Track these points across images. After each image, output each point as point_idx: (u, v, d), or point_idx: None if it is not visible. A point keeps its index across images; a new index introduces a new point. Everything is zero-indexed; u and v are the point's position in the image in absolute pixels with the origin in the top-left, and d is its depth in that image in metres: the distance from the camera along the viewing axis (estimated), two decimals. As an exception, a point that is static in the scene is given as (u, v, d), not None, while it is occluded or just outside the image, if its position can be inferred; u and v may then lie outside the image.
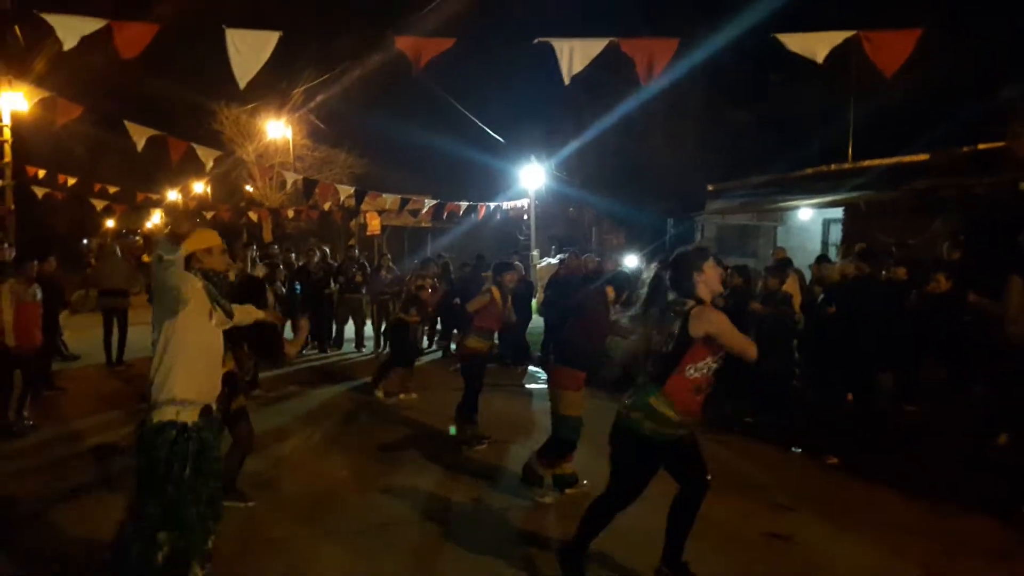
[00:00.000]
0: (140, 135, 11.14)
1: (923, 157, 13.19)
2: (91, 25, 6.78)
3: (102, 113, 11.78)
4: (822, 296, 9.15)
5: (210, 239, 4.09)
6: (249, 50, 6.69)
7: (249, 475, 5.84)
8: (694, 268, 4.20)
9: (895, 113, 15.95)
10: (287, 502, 5.87)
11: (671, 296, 4.21)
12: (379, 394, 9.61)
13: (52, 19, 6.83)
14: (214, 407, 3.96)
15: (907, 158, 13.58)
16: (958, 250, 8.57)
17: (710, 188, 17.60)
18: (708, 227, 17.69)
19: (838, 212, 14.51)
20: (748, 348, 4.12)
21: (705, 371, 4.09)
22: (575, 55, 6.35)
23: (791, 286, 9.27)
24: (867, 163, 14.62)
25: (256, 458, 5.89)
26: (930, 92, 15.25)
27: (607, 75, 11.73)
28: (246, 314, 4.36)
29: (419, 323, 9.82)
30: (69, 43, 6.67)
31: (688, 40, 6.58)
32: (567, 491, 5.97)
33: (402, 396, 9.49)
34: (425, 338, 13.69)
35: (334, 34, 24.86)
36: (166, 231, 3.90)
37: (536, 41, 6.49)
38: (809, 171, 15.67)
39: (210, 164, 12.16)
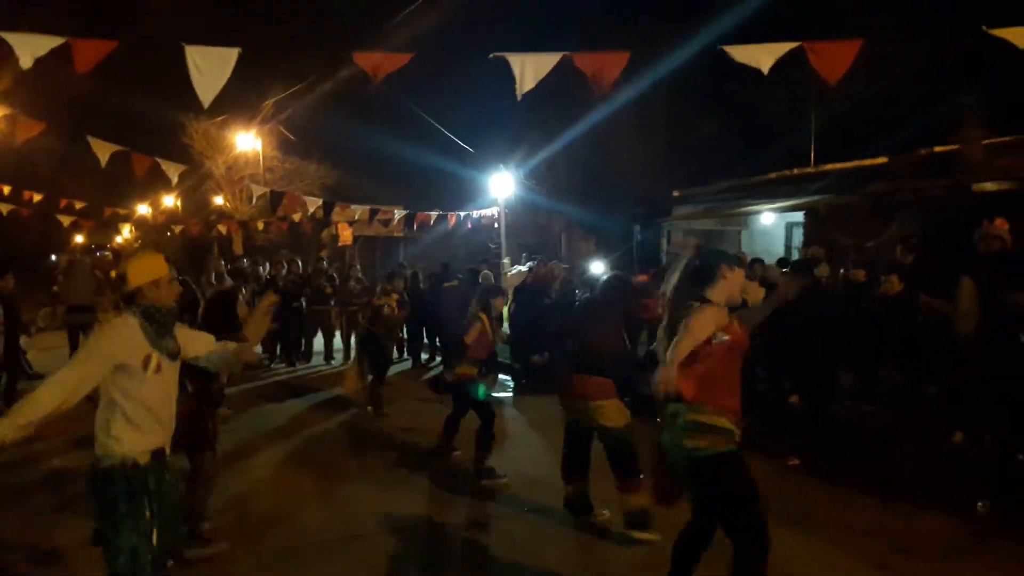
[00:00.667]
0: (104, 151, 11.03)
1: (881, 160, 13.47)
2: (49, 43, 6.75)
3: (66, 129, 11.66)
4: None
5: (156, 269, 3.58)
6: (210, 67, 6.69)
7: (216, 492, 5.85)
8: (725, 263, 3.87)
9: (856, 117, 16.31)
10: (252, 519, 5.90)
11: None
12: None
13: (10, 37, 6.80)
14: (167, 449, 3.62)
15: (867, 161, 13.86)
16: (911, 252, 8.76)
17: (675, 194, 17.82)
18: (675, 233, 17.87)
19: (801, 216, 14.76)
20: (667, 368, 3.53)
21: None
22: (529, 69, 6.46)
23: (750, 289, 9.41)
24: (828, 167, 14.91)
25: (223, 475, 5.90)
26: (889, 97, 15.62)
27: (573, 85, 11.86)
28: (203, 345, 3.86)
29: (384, 335, 9.83)
30: (26, 61, 6.63)
31: (640, 53, 6.70)
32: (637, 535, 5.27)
33: (369, 409, 9.50)
34: (395, 349, 13.73)
35: (296, 49, 24.83)
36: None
37: (491, 56, 6.59)
38: (772, 175, 15.95)
39: (175, 179, 12.11)
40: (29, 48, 6.60)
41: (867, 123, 15.94)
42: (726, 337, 3.67)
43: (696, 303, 3.73)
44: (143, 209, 27.94)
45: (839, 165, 14.61)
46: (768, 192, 15.35)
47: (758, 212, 14.99)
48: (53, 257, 20.62)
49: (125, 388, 3.42)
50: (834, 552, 5.23)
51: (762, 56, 6.17)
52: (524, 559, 5.13)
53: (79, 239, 26.82)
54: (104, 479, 3.42)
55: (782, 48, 6.12)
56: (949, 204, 10.89)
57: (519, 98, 6.57)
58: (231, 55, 6.65)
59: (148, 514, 3.45)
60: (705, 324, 3.62)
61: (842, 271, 9.69)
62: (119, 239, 33.31)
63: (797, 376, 7.98)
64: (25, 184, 17.66)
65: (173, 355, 3.58)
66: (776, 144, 17.52)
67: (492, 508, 6.13)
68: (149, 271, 3.55)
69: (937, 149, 12.59)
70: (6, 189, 16.59)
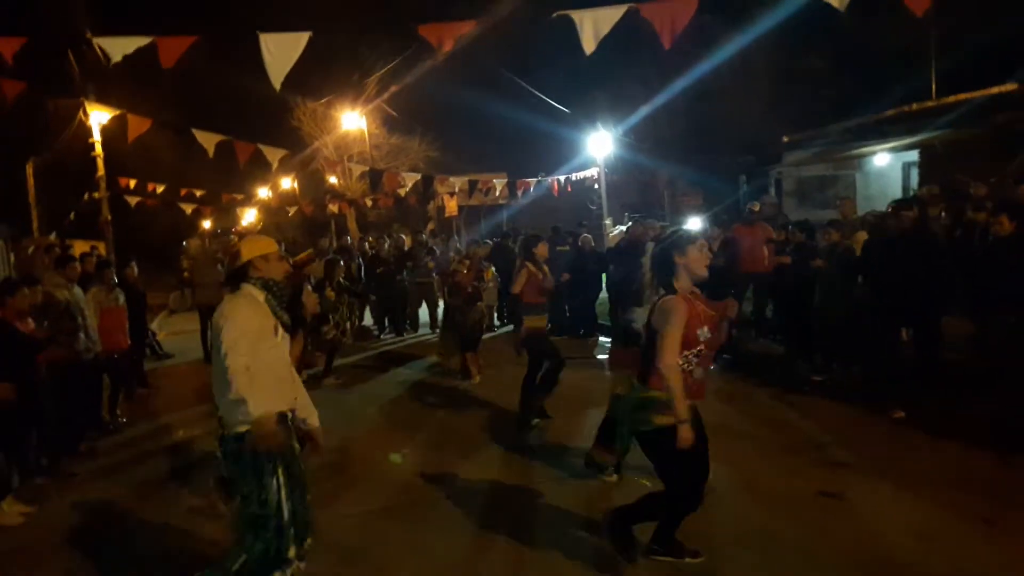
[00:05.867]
0: (209, 141, 11.58)
1: (1010, 87, 12.35)
2: (136, 42, 7.11)
3: (175, 124, 12.29)
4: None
5: (266, 246, 3.95)
6: (281, 52, 6.89)
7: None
8: (676, 251, 4.01)
9: (985, 42, 14.94)
10: (352, 482, 6.11)
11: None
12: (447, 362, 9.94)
13: (102, 41, 7.23)
14: (289, 415, 3.88)
15: (994, 89, 12.72)
16: (1024, 183, 7.88)
17: (785, 139, 16.97)
18: (787, 180, 17.11)
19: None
20: (665, 355, 3.81)
21: (684, 365, 3.87)
22: (593, 25, 6.25)
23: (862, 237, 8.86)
24: (951, 99, 13.77)
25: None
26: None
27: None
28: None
29: (464, 304, 9.82)
30: (116, 59, 7.03)
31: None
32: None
33: (476, 379, 9.60)
34: (495, 314, 13.85)
35: (364, 29, 24.91)
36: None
37: (555, 15, 6.43)
38: (890, 112, 14.87)
39: (276, 163, 12.53)
40: (117, 48, 7.00)
41: (997, 48, 14.55)
42: (709, 335, 3.91)
43: (662, 290, 4.01)
44: (263, 192, 29.05)
45: (963, 96, 13.46)
46: (884, 131, 14.38)
47: (871, 154, 14.09)
48: (185, 243, 21.92)
49: (256, 354, 3.62)
50: (934, 508, 4.94)
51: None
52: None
53: (206, 224, 28.20)
54: (238, 442, 3.62)
55: (863, -23, 5.65)
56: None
57: (588, 54, 6.37)
58: (301, 39, 6.80)
59: (282, 476, 3.71)
60: (675, 318, 3.85)
61: (942, 212, 8.94)
62: (244, 222, 34.85)
63: (907, 321, 7.53)
64: (152, 176, 18.75)
65: (286, 327, 3.89)
66: (893, 79, 16.33)
67: (563, 470, 6.07)
68: (260, 247, 3.93)
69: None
70: (132, 183, 17.73)
